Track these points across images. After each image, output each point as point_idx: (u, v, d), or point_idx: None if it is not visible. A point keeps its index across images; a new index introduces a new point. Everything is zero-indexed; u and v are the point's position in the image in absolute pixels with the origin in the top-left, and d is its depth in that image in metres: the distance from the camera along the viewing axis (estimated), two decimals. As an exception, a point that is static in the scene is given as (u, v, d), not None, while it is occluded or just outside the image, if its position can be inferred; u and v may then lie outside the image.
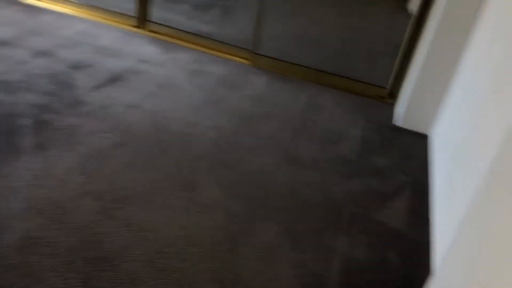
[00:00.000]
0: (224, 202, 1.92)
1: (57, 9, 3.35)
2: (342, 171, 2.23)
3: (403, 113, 2.65)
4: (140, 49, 3.03)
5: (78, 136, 2.13)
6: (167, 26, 3.26)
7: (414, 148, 2.53)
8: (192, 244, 1.70)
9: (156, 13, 3.52)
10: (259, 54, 3.10)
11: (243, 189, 2.01)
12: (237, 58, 3.14)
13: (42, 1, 3.39)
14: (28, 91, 2.38)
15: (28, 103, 2.29)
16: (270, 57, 3.09)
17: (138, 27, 3.28)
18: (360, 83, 3.01)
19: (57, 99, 2.37)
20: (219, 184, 2.01)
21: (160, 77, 2.75)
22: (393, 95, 2.92)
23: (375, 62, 3.45)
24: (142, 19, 3.26)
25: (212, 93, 2.70)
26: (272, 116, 2.60)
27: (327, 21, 4.06)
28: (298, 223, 1.88)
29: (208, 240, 1.73)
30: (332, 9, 4.32)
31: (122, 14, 3.31)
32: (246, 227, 1.82)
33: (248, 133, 2.41)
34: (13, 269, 1.49)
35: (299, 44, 3.51)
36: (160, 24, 3.27)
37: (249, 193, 2.00)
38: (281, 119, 2.58)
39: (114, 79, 2.64)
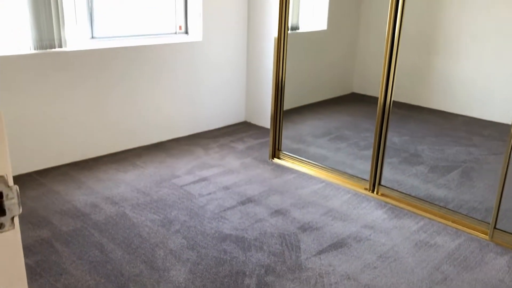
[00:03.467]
0: None
1: (299, 169, 3.76)
2: None
3: None
4: (366, 214, 3.08)
5: (291, 304, 2.22)
6: (397, 191, 3.25)
7: None
8: None
9: (389, 174, 3.58)
10: (500, 230, 2.74)
11: None
12: (471, 231, 2.85)
13: (287, 161, 3.87)
14: (259, 250, 2.65)
15: (257, 262, 2.54)
16: (513, 234, 2.70)
17: (369, 190, 3.37)
18: None
19: (281, 261, 2.55)
20: None
21: (382, 246, 2.70)
22: None
23: None
24: (374, 182, 3.35)
25: (436, 271, 2.47)
26: (509, 311, 2.19)
27: None
28: None
29: None
30: None
31: (356, 177, 3.48)
32: None
33: (475, 330, 2.07)
34: None
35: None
36: (391, 188, 3.29)
37: None
38: (522, 318, 2.15)
39: (337, 245, 2.72)
